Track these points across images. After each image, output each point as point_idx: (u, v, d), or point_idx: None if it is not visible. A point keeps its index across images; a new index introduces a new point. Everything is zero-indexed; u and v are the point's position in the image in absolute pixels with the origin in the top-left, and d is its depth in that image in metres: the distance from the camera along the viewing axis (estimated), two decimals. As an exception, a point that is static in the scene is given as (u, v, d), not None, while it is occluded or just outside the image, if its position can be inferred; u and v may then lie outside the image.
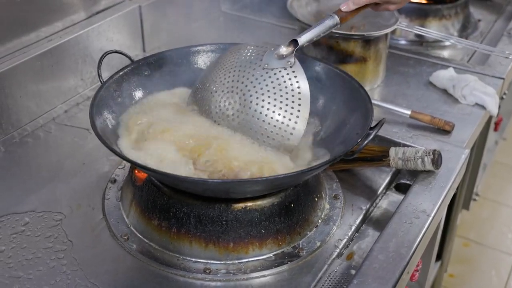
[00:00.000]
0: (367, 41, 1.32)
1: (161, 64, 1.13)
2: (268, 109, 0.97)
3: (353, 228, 1.04)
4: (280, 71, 0.99)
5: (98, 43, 1.35)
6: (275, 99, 0.97)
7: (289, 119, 0.97)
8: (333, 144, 1.03)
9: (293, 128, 0.97)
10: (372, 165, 1.13)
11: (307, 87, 0.98)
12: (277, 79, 0.99)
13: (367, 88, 1.29)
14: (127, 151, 0.99)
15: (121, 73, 1.08)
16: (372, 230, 1.06)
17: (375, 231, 1.05)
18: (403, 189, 1.15)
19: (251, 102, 0.98)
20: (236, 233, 0.95)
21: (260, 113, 0.97)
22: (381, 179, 1.14)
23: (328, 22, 1.03)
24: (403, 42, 1.60)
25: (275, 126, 0.97)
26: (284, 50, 1.01)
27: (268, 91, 0.98)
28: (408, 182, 1.16)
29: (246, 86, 0.99)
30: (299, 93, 0.98)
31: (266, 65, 0.99)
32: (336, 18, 1.03)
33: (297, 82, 0.98)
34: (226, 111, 1.01)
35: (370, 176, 1.15)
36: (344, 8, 1.04)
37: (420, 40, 1.59)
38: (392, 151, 1.10)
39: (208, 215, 0.95)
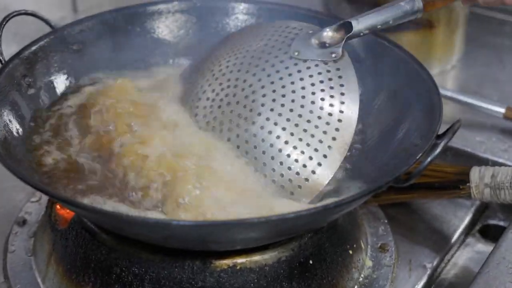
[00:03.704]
0: (435, -5, 1.32)
1: (100, 34, 1.14)
2: (283, 128, 0.98)
3: (411, 298, 1.04)
4: (316, 66, 1.00)
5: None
6: (298, 116, 0.97)
7: (310, 156, 0.97)
8: (378, 161, 1.02)
9: (312, 172, 0.97)
10: (442, 195, 1.12)
11: (355, 108, 0.98)
12: (310, 77, 0.99)
13: (434, 71, 1.27)
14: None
15: (34, 47, 1.08)
16: (442, 302, 1.06)
17: (448, 304, 1.06)
18: (492, 234, 1.14)
19: (261, 107, 0.99)
20: (220, 308, 0.95)
21: (270, 132, 0.98)
22: (457, 218, 1.15)
23: (405, 6, 1.03)
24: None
25: (286, 159, 0.97)
26: (328, 35, 1.01)
27: (292, 100, 0.98)
28: (500, 223, 1.16)
29: (260, 80, 1.00)
30: (340, 113, 0.97)
31: (295, 53, 1.01)
32: (419, 3, 1.03)
33: (342, 94, 0.98)
34: (221, 116, 1.01)
35: (438, 214, 1.15)
36: None
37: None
38: (475, 173, 1.09)
39: (174, 279, 0.95)
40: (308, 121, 0.98)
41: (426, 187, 1.11)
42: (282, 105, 0.98)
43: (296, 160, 0.97)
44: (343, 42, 1.01)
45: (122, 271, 0.96)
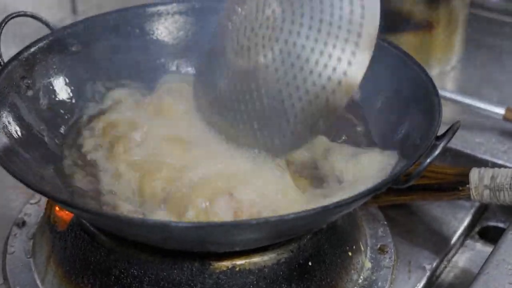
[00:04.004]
0: (435, -4, 1.33)
1: (99, 35, 1.14)
2: (307, 37, 0.96)
3: (411, 300, 1.04)
4: None
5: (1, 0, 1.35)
6: (319, 21, 0.96)
7: (339, 57, 0.95)
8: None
9: (344, 73, 0.95)
10: (442, 197, 1.12)
11: (375, 16, 0.95)
12: None
13: (433, 72, 1.27)
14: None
15: (33, 49, 1.08)
16: (442, 304, 1.06)
17: (448, 306, 1.06)
18: (492, 236, 1.14)
19: (281, 23, 0.98)
20: (219, 309, 0.95)
21: (294, 44, 0.97)
22: (457, 220, 1.14)
23: None
24: (494, -2, 1.60)
25: (315, 66, 0.96)
26: None
27: (311, 7, 0.97)
28: (500, 225, 1.16)
29: None
30: (361, 8, 0.95)
31: None
32: None
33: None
34: (247, 42, 1.01)
35: (438, 215, 1.15)
36: None
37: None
38: (475, 174, 1.09)
39: (173, 281, 0.94)
40: (330, 23, 0.96)
41: (425, 188, 1.11)
42: (302, 15, 0.97)
43: (325, 65, 0.95)
44: None
45: (121, 273, 0.96)
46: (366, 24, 0.96)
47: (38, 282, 1.03)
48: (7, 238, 1.09)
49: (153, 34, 1.17)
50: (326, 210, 0.87)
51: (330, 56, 0.95)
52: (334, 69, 0.95)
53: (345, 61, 0.95)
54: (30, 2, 1.38)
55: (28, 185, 0.89)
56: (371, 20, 0.96)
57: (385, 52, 1.07)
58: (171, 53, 1.19)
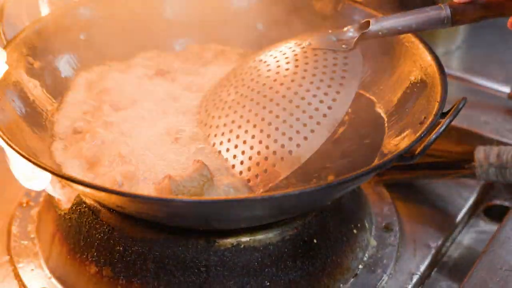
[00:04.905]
0: (440, -28, 1.31)
1: (103, 14, 1.15)
2: (277, 104, 1.00)
3: (415, 278, 1.04)
4: (324, 53, 1.02)
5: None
6: (294, 93, 0.99)
7: (297, 130, 0.99)
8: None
9: (297, 145, 0.97)
10: (447, 175, 1.13)
11: (343, 107, 0.98)
12: (315, 61, 1.01)
13: (439, 51, 1.25)
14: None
15: (37, 27, 1.09)
16: (447, 282, 1.06)
17: (453, 283, 1.06)
18: (497, 214, 1.14)
19: (262, 86, 1.02)
20: (224, 286, 0.95)
21: (264, 107, 1.00)
22: (462, 198, 1.15)
23: (430, 12, 1.02)
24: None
25: (274, 131, 0.99)
26: (347, 33, 1.03)
27: (292, 80, 1.00)
28: (505, 203, 1.16)
29: (268, 66, 1.04)
30: (336, 93, 0.99)
31: (307, 43, 1.03)
32: (446, 11, 1.02)
33: (340, 85, 1.00)
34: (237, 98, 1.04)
35: (443, 193, 1.15)
36: None
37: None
38: (480, 152, 1.09)
39: (177, 258, 0.95)
40: (303, 98, 0.99)
41: (431, 166, 1.12)
42: (281, 83, 1.00)
43: (284, 133, 0.98)
44: (358, 36, 1.02)
45: (125, 250, 0.96)
46: (335, 107, 0.98)
47: (42, 260, 1.04)
48: (12, 217, 1.10)
49: (156, 12, 1.17)
50: (330, 186, 0.88)
51: (291, 126, 0.98)
52: (290, 138, 0.98)
53: (302, 135, 0.98)
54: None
55: (32, 162, 0.89)
56: (340, 105, 0.98)
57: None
58: (174, 30, 1.19)
